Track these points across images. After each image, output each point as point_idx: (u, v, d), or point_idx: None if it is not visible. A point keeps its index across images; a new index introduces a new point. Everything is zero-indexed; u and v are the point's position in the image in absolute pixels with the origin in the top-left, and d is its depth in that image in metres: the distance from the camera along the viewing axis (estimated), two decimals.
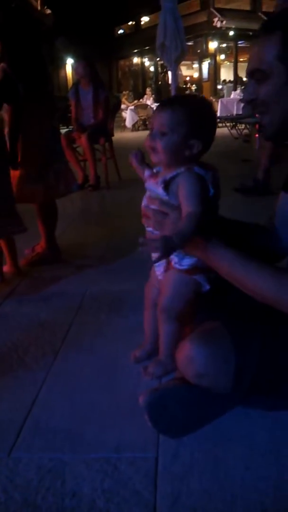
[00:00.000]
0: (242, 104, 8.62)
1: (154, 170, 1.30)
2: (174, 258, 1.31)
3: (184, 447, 1.21)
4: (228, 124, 10.25)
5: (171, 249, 1.11)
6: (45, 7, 2.60)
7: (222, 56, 21.99)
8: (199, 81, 22.11)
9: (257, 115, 1.20)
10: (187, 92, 16.75)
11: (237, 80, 19.63)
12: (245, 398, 1.21)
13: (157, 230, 1.20)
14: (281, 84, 1.07)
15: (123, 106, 13.42)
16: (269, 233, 1.32)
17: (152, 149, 1.23)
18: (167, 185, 1.21)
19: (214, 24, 18.49)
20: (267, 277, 1.06)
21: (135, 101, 15.67)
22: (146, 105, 14.57)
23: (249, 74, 1.13)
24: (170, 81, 9.73)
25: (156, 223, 1.19)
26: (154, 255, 1.16)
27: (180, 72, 12.60)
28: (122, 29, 28.14)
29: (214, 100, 15.13)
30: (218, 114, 12.94)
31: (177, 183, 1.20)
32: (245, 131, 9.30)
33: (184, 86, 20.36)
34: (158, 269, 1.40)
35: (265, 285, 1.06)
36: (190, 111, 1.20)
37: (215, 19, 18.42)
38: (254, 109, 1.16)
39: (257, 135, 7.77)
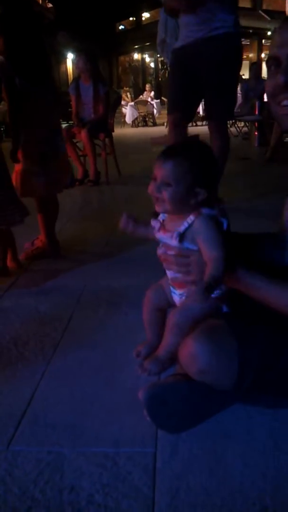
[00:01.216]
0: (240, 102, 8.59)
1: (161, 219, 1.30)
2: None
3: (183, 442, 1.21)
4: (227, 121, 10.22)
5: (210, 292, 1.13)
6: (47, 1, 2.60)
7: None
8: None
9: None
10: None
11: None
12: (246, 395, 1.21)
13: (182, 272, 1.23)
14: None
15: (123, 102, 13.40)
16: (280, 242, 1.33)
17: (156, 199, 1.22)
18: (181, 237, 1.21)
19: None
20: None
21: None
22: (146, 101, 14.54)
23: (268, 60, 1.14)
24: None
25: (179, 266, 1.22)
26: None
27: None
28: (123, 25, 28.09)
29: None
30: None
31: (192, 233, 1.19)
32: (245, 129, 9.28)
33: None
34: (176, 297, 1.37)
35: None
36: (193, 161, 1.19)
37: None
38: (278, 98, 1.14)
39: (256, 133, 7.77)
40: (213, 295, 1.27)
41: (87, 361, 1.61)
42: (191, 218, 1.19)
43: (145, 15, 24.98)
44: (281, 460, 1.15)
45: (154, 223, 1.30)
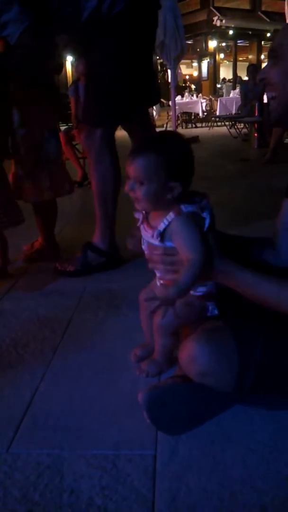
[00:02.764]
0: (240, 104, 8.62)
1: (143, 212, 1.26)
2: None
3: (183, 444, 1.21)
4: (227, 123, 10.25)
5: (171, 303, 1.16)
6: None
7: (222, 55, 21.97)
8: (198, 80, 22.12)
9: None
10: (186, 90, 16.69)
11: (236, 79, 19.63)
12: (246, 396, 1.21)
13: (168, 270, 1.22)
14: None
15: None
16: (274, 246, 1.33)
17: (134, 198, 1.20)
18: (162, 236, 1.19)
19: (213, 23, 18.46)
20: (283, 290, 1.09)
21: None
22: None
23: (269, 53, 1.17)
24: (169, 80, 9.72)
25: (165, 264, 1.20)
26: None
27: (179, 71, 12.58)
28: None
29: (213, 99, 15.15)
30: (217, 113, 12.96)
31: (170, 232, 1.17)
32: (244, 130, 9.29)
33: (183, 84, 20.34)
34: (156, 284, 1.38)
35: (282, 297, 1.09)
36: (164, 154, 1.15)
37: (215, 18, 18.39)
38: (265, 88, 1.18)
39: (256, 134, 7.78)
40: (197, 293, 1.28)
41: (86, 363, 1.61)
42: (171, 215, 1.16)
43: None
44: (281, 462, 1.14)
45: (137, 215, 1.28)
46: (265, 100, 1.33)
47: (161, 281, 1.32)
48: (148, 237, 1.24)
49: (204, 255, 1.12)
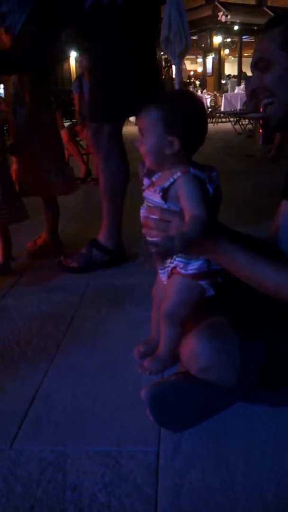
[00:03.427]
0: (245, 99, 8.59)
1: (153, 179, 1.26)
2: (179, 263, 1.28)
3: (186, 441, 1.21)
4: (231, 119, 10.22)
5: (171, 251, 1.10)
6: None
7: (227, 51, 21.87)
8: (203, 76, 22.02)
9: (261, 109, 1.21)
10: (191, 86, 16.66)
11: (241, 75, 19.54)
12: (248, 393, 1.21)
13: (160, 237, 1.15)
14: (283, 71, 1.12)
15: None
16: (275, 247, 1.32)
17: (143, 154, 1.21)
18: (165, 193, 1.17)
19: (218, 18, 18.36)
20: (282, 272, 1.07)
21: None
22: None
23: (253, 65, 1.18)
24: (174, 75, 9.70)
25: (160, 232, 1.16)
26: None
27: (184, 66, 12.56)
28: None
29: (218, 95, 15.09)
30: (222, 109, 12.92)
31: (175, 188, 1.16)
32: (249, 126, 9.26)
33: (188, 80, 20.28)
34: (163, 275, 1.37)
35: (282, 280, 1.07)
36: (164, 108, 1.17)
37: (220, 13, 18.28)
38: (259, 98, 1.19)
39: (260, 131, 7.75)
40: (189, 272, 1.26)
41: (89, 360, 1.61)
42: (177, 174, 1.15)
43: None
44: (284, 459, 1.14)
45: (146, 181, 1.27)
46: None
47: (166, 271, 1.32)
48: (150, 194, 1.22)
49: (207, 216, 1.08)
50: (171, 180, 1.16)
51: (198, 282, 1.29)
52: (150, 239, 1.21)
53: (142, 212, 1.23)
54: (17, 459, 1.17)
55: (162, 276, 1.37)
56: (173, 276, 1.32)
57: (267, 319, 1.19)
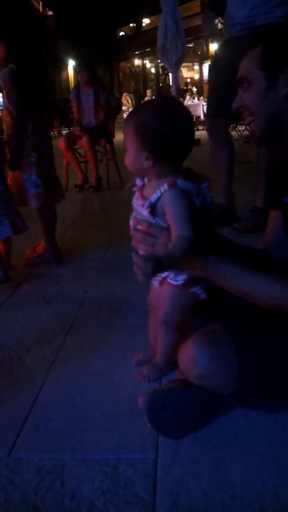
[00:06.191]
0: None
1: (145, 180, 1.26)
2: (169, 274, 1.28)
3: (183, 448, 1.21)
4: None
5: (160, 271, 1.13)
6: (47, 9, 2.63)
7: None
8: (199, 83, 22.14)
9: (245, 124, 1.26)
10: (188, 93, 16.71)
11: None
12: (245, 399, 1.21)
13: (147, 252, 1.16)
14: (262, 89, 1.19)
15: (124, 108, 13.44)
16: (267, 258, 1.33)
17: None
18: (153, 208, 1.16)
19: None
20: (273, 283, 1.08)
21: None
22: None
23: (237, 83, 1.25)
24: (171, 83, 9.74)
25: (147, 246, 1.16)
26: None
27: (181, 74, 12.59)
28: (123, 31, 28.22)
29: None
30: None
31: (162, 204, 1.14)
32: (246, 132, 9.29)
33: (185, 87, 20.37)
34: (155, 283, 1.37)
35: (272, 291, 1.09)
36: (136, 122, 1.16)
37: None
38: (242, 116, 1.27)
39: None
40: (179, 282, 1.27)
41: (88, 367, 1.61)
42: (165, 187, 1.12)
43: (145, 21, 25.10)
44: (281, 465, 1.14)
45: (138, 181, 1.27)
46: None
47: (158, 279, 1.33)
48: (138, 205, 1.21)
49: (193, 233, 1.06)
50: (158, 193, 1.13)
51: (190, 290, 1.29)
52: (139, 251, 1.20)
53: (131, 222, 1.23)
54: (15, 468, 1.18)
55: (155, 283, 1.38)
56: (165, 286, 1.32)
57: (264, 325, 1.20)
